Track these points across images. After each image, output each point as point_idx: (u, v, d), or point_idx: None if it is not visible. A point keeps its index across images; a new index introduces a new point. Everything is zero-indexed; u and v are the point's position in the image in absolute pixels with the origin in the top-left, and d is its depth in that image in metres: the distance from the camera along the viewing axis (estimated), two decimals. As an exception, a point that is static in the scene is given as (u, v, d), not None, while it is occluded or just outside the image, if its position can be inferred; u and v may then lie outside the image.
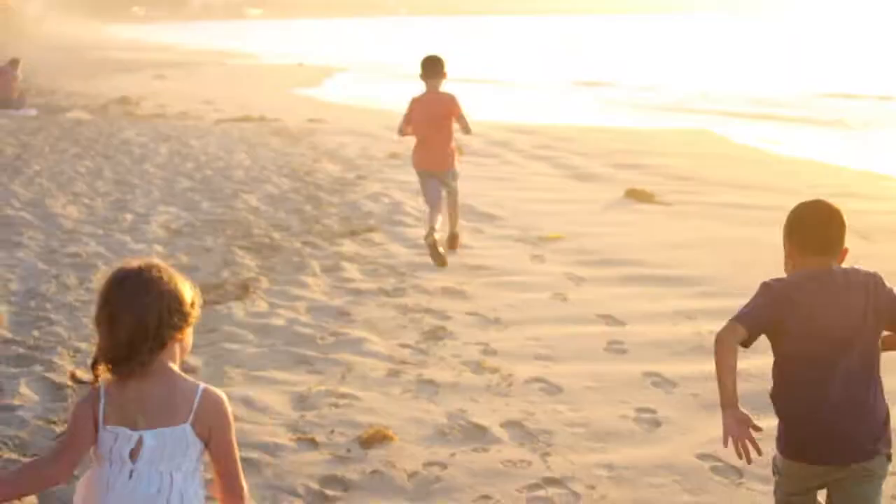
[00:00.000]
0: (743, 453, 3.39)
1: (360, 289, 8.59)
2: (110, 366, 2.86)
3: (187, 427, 2.88)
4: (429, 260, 9.24)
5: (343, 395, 6.09)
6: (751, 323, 3.52)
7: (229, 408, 2.97)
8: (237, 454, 3.00)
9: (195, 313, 2.97)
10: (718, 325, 3.56)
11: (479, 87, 33.98)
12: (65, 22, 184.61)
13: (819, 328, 3.49)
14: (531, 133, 20.32)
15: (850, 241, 3.63)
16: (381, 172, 14.78)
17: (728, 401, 3.45)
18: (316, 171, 14.81)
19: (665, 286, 8.77)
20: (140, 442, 2.86)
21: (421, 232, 9.79)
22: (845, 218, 3.63)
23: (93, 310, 2.96)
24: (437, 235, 9.11)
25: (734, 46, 67.84)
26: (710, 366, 3.60)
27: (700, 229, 11.08)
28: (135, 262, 2.92)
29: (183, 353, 3.02)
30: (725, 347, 3.49)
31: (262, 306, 8.00)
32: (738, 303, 3.59)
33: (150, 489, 2.87)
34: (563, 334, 7.40)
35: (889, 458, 3.58)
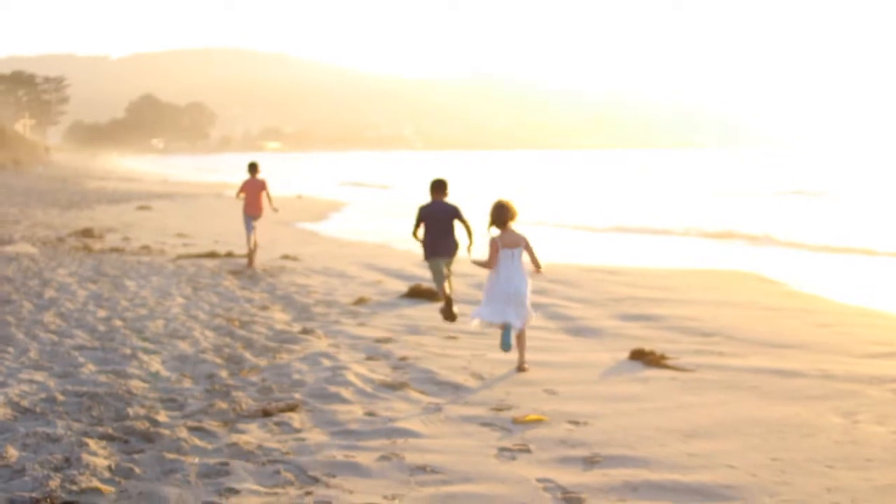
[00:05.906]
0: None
1: (244, 508, 5.96)
2: (497, 226, 9.68)
3: (521, 248, 9.66)
4: (355, 460, 6.86)
5: None
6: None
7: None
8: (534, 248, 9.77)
9: (518, 212, 9.83)
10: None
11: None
12: (79, 151, 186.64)
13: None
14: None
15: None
16: (337, 324, 12.23)
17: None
18: (257, 321, 12.22)
19: (681, 500, 6.13)
20: (513, 253, 9.59)
21: (358, 412, 8.32)
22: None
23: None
24: (252, 245, 18.32)
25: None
26: None
27: (726, 407, 8.40)
28: (503, 199, 9.91)
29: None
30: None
31: (86, 542, 5.38)
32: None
33: (516, 265, 9.66)
34: None
35: (452, 258, 11.34)
